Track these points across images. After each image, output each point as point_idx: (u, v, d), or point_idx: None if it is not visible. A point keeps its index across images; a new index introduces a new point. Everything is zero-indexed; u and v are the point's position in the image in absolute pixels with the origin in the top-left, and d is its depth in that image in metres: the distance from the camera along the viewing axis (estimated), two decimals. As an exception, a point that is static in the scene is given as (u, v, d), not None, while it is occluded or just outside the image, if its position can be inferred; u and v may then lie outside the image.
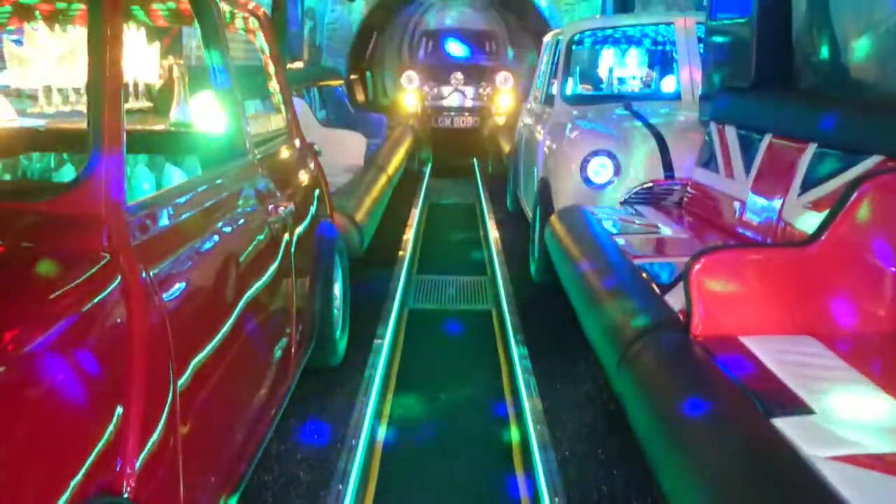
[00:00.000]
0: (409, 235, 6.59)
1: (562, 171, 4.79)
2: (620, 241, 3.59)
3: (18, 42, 3.44)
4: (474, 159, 11.32)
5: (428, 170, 10.64)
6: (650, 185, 4.52)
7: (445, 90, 13.25)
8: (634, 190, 4.52)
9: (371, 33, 14.34)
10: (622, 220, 4.12)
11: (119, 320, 1.58)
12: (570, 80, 6.20)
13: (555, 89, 6.00)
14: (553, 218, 4.45)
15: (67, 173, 3.00)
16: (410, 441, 3.19)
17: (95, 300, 1.53)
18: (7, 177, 3.02)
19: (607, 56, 7.38)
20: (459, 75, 13.28)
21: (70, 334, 1.42)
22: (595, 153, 4.53)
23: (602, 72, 7.53)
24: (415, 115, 12.73)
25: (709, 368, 2.25)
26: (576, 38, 6.12)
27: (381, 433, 3.24)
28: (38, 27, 3.49)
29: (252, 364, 2.45)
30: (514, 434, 3.25)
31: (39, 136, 3.11)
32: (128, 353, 1.58)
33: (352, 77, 13.60)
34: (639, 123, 4.79)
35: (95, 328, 1.51)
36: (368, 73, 15.01)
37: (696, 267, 2.44)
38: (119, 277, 1.61)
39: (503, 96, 13.00)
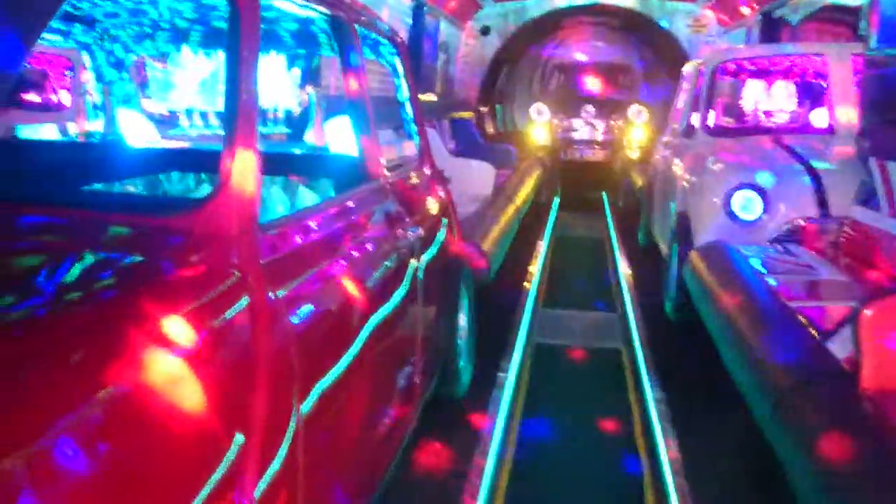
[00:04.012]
0: (536, 267, 6.44)
1: (704, 206, 4.52)
2: (772, 281, 3.31)
3: (164, 67, 3.55)
4: (604, 193, 11.07)
5: (556, 202, 10.47)
6: (802, 222, 4.19)
7: (576, 123, 13.14)
8: (785, 227, 4.20)
9: (502, 66, 14.37)
10: (772, 260, 3.82)
11: (245, 340, 1.51)
12: (713, 111, 5.91)
13: (695, 121, 5.73)
14: (694, 254, 4.19)
15: (205, 193, 3.03)
16: (534, 489, 3.01)
17: (223, 318, 1.47)
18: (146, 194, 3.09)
19: (752, 87, 7.02)
20: (590, 108, 13.14)
21: (196, 352, 1.36)
22: (741, 186, 4.25)
23: (746, 103, 7.17)
24: (543, 147, 12.64)
25: (881, 426, 1.98)
26: (720, 67, 5.84)
27: (504, 477, 3.07)
28: (182, 53, 3.60)
29: (376, 391, 2.37)
30: (648, 487, 3.01)
31: (180, 157, 3.17)
32: (252, 375, 1.51)
33: (482, 109, 13.65)
34: (790, 157, 4.48)
35: (221, 348, 1.45)
36: (498, 106, 15.05)
37: (869, 312, 2.17)
38: (247, 297, 1.55)
39: (636, 129, 12.72)
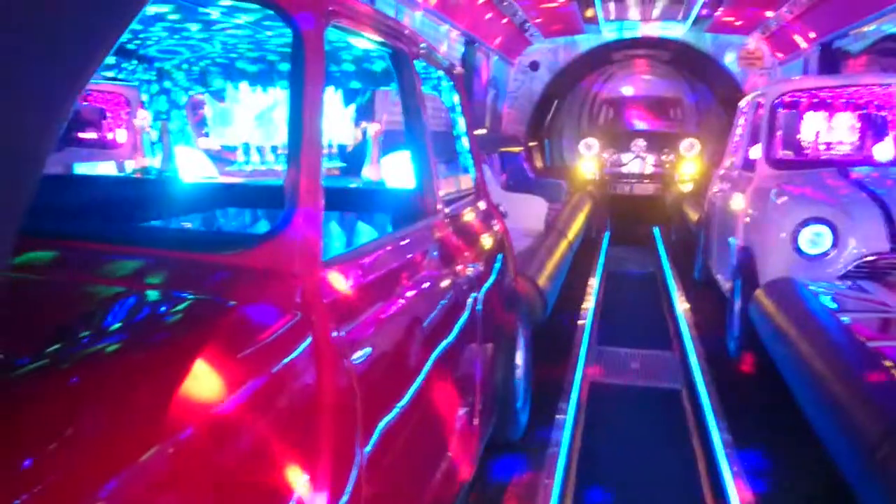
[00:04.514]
0: (589, 304, 6.29)
1: (769, 241, 4.36)
2: (845, 319, 3.15)
3: (221, 103, 3.56)
4: (655, 227, 10.88)
5: (607, 237, 10.31)
6: (873, 258, 4.01)
7: (625, 157, 13.01)
8: (855, 263, 4.02)
9: (552, 101, 14.34)
10: (844, 297, 3.65)
11: (308, 382, 1.45)
12: (774, 143, 5.75)
13: (755, 153, 5.58)
14: (761, 292, 4.02)
15: (262, 229, 3.00)
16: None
17: (286, 360, 1.41)
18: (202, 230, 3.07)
19: (813, 118, 6.84)
20: (641, 142, 13.01)
21: (258, 396, 1.30)
22: (809, 221, 4.09)
23: (806, 135, 6.98)
24: (593, 181, 12.52)
25: None
26: (781, 98, 5.69)
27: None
28: (239, 88, 3.60)
29: (436, 433, 2.28)
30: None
31: (236, 192, 3.15)
32: (315, 417, 1.44)
33: (531, 144, 13.61)
34: (858, 189, 4.30)
35: (284, 390, 1.39)
36: (547, 140, 15.00)
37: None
38: (310, 337, 1.49)
39: (687, 163, 12.54)
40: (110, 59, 3.24)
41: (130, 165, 5.64)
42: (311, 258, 1.58)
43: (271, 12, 2.04)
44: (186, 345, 1.25)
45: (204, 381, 1.20)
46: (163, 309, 1.38)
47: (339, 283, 1.72)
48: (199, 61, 3.41)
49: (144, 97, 3.52)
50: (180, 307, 1.37)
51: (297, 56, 1.76)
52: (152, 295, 1.43)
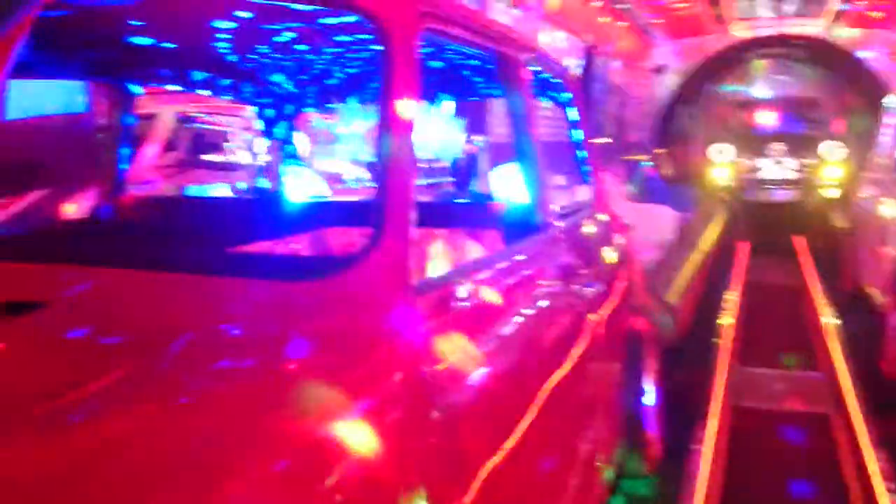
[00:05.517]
0: (727, 321, 5.88)
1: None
2: None
3: (331, 120, 3.49)
4: (796, 236, 10.21)
5: (744, 247, 9.75)
6: None
7: (761, 162, 12.33)
8: None
9: (678, 105, 13.81)
10: None
11: (395, 422, 1.28)
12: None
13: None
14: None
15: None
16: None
17: (371, 397, 1.26)
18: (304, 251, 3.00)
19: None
20: (778, 146, 12.30)
21: (339, 438, 1.17)
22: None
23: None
24: (726, 188, 11.93)
25: None
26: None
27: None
28: (350, 106, 3.53)
29: (553, 474, 2.07)
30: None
31: (343, 211, 3.08)
32: (406, 465, 1.27)
33: (657, 150, 13.13)
34: None
35: (368, 432, 1.22)
36: (674, 147, 14.45)
37: None
38: (400, 371, 1.33)
39: (830, 167, 11.74)
40: (225, 80, 3.25)
41: (243, 185, 5.74)
42: (399, 284, 1.43)
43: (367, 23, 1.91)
44: (257, 384, 1.15)
45: (277, 426, 1.09)
46: (237, 344, 1.27)
47: (437, 307, 1.56)
48: (311, 79, 3.36)
49: (258, 117, 3.51)
50: (254, 341, 1.27)
51: (386, 63, 1.62)
52: (230, 329, 1.32)
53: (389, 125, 1.56)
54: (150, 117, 6.58)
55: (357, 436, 1.21)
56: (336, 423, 1.17)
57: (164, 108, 6.89)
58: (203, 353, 1.24)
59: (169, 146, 7.16)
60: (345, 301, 1.37)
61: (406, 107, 1.59)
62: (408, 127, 1.59)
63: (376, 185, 1.55)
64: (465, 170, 3.61)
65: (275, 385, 1.14)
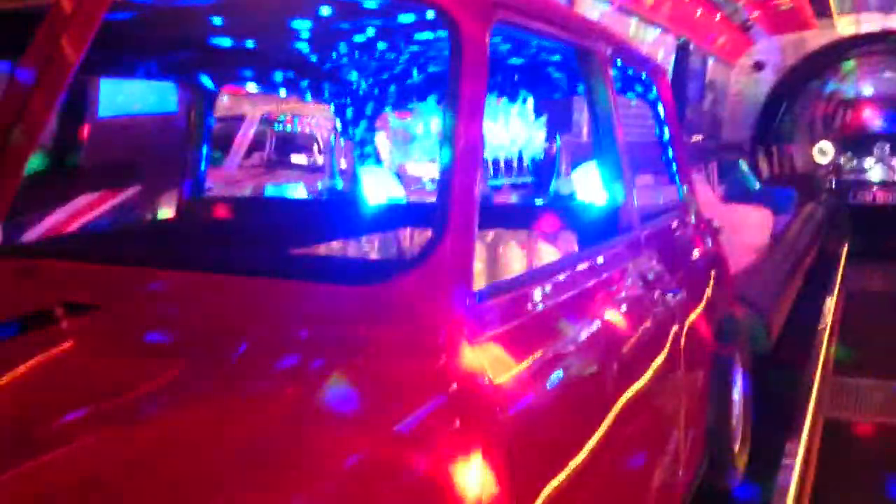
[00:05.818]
0: (824, 328, 5.58)
1: None
2: None
3: (406, 119, 3.45)
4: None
5: (845, 251, 9.28)
6: None
7: (866, 162, 11.76)
8: None
9: (779, 104, 13.28)
10: None
11: (451, 445, 1.21)
12: None
13: None
14: None
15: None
16: None
17: (421, 414, 1.19)
18: (377, 252, 2.96)
19: None
20: (885, 146, 11.67)
21: (397, 455, 1.14)
22: None
23: None
24: (829, 189, 11.40)
25: None
26: None
27: None
28: (427, 106, 3.48)
29: (627, 492, 1.96)
30: None
31: (416, 212, 3.03)
32: (462, 488, 1.20)
33: (756, 150, 12.66)
34: None
35: (417, 458, 1.16)
36: (773, 146, 13.91)
37: None
38: (455, 383, 1.25)
39: (943, 169, 11.07)
40: (306, 81, 3.25)
41: (320, 186, 5.79)
42: (457, 291, 1.35)
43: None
44: (300, 395, 1.11)
45: (324, 439, 1.06)
46: (284, 350, 1.22)
47: (502, 315, 1.48)
48: (389, 78, 3.33)
49: (336, 118, 3.50)
50: (304, 347, 1.23)
51: (455, 58, 1.54)
52: (280, 334, 1.28)
53: (453, 123, 1.49)
54: (238, 118, 6.72)
55: (406, 462, 1.15)
56: (378, 447, 1.12)
57: (252, 110, 7.03)
58: (258, 357, 1.22)
59: (257, 147, 7.31)
60: (399, 306, 1.31)
61: (470, 104, 1.51)
62: (472, 125, 1.51)
63: (439, 186, 1.48)
64: (545, 170, 3.52)
65: (314, 397, 1.12)
